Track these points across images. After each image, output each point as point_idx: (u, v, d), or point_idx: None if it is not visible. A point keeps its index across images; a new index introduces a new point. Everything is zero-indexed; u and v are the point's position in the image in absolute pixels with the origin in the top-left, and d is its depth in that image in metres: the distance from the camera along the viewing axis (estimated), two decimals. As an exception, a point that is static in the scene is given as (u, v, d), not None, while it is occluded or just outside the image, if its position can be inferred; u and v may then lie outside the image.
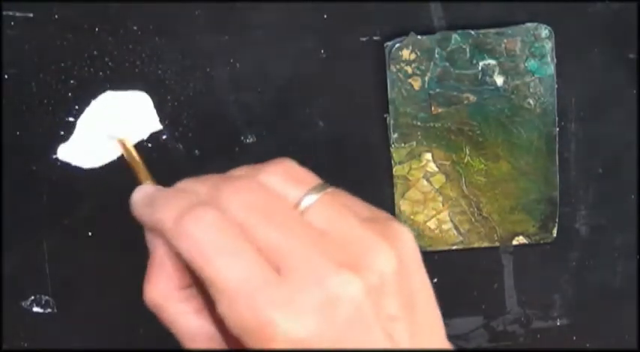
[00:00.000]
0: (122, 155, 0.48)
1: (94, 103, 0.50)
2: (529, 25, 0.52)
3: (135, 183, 0.40)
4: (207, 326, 0.35)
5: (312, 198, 0.34)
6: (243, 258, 0.32)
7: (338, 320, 0.31)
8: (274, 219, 0.33)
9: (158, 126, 0.52)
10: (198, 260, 0.32)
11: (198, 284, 0.36)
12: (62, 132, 0.52)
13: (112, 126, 0.50)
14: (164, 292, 0.36)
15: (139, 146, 0.53)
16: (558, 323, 0.58)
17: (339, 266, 0.32)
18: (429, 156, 0.54)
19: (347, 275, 0.32)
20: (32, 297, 0.55)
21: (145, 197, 0.36)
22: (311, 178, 0.35)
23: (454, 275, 0.57)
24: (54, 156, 0.53)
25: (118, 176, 0.53)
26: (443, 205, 0.55)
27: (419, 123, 0.53)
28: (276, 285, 0.31)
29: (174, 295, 0.36)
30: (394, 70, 0.52)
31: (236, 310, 0.31)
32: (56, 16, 0.51)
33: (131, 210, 0.37)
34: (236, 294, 0.31)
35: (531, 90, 0.53)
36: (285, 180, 0.34)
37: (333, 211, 0.34)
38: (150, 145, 0.53)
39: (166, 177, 0.54)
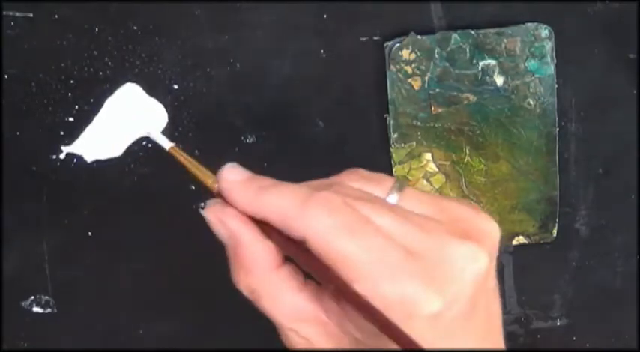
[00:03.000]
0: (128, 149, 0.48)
1: (117, 93, 0.51)
2: (529, 25, 0.52)
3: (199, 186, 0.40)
4: (310, 304, 0.35)
5: (394, 197, 0.35)
6: (376, 238, 0.33)
7: (467, 292, 0.33)
8: (385, 208, 0.34)
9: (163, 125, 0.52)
10: (330, 243, 0.33)
11: (298, 263, 0.36)
12: (62, 132, 0.52)
13: (127, 119, 0.50)
14: (261, 275, 0.35)
15: (140, 145, 0.53)
16: (558, 323, 0.58)
17: (461, 238, 0.33)
18: (429, 156, 0.54)
19: (471, 247, 0.33)
20: (32, 297, 0.55)
21: (248, 181, 0.36)
22: (387, 178, 0.36)
23: (454, 275, 0.57)
24: (54, 156, 0.53)
25: (118, 176, 0.53)
26: (443, 205, 0.55)
27: (419, 123, 0.53)
28: (412, 261, 0.32)
29: (272, 277, 0.35)
30: (394, 70, 0.52)
31: (379, 286, 0.32)
32: (56, 16, 0.51)
33: (225, 192, 0.36)
34: (378, 271, 0.32)
35: (531, 90, 0.53)
36: (367, 184, 0.35)
37: (425, 199, 0.35)
38: (150, 145, 0.53)
39: (167, 177, 0.54)
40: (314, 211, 0.33)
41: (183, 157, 0.41)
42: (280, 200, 0.34)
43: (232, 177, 0.37)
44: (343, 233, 0.32)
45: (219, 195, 0.38)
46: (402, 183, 0.36)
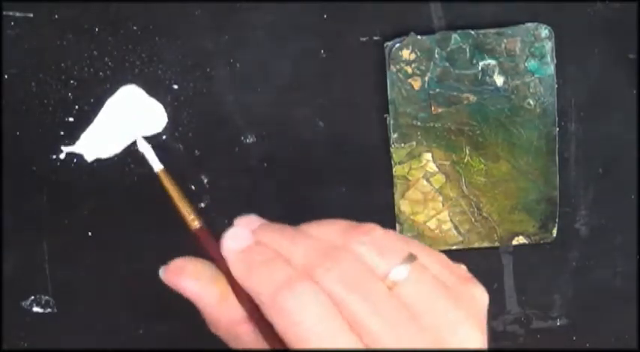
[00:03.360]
0: (123, 153, 0.48)
1: (117, 94, 0.51)
2: (529, 25, 0.52)
3: (176, 215, 0.40)
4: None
5: (401, 272, 0.36)
6: (336, 337, 0.34)
7: None
8: (367, 298, 0.34)
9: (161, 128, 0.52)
10: (291, 336, 0.34)
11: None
12: (62, 132, 0.52)
13: (127, 119, 0.50)
14: (225, 329, 0.39)
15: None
16: (558, 323, 0.58)
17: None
18: (428, 156, 0.54)
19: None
20: (32, 297, 0.55)
21: (242, 254, 0.37)
22: (399, 247, 0.37)
23: (454, 275, 0.57)
24: (54, 157, 0.53)
25: (118, 176, 0.53)
26: (443, 205, 0.55)
27: (419, 123, 0.53)
28: None
29: (236, 330, 0.38)
30: (394, 70, 0.52)
31: None
32: (56, 16, 0.51)
33: (224, 254, 0.38)
34: None
35: (531, 90, 0.53)
36: (375, 252, 0.36)
37: (420, 288, 0.36)
38: (150, 145, 0.53)
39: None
40: (282, 303, 0.34)
41: (171, 185, 0.41)
42: (259, 285, 0.36)
43: (230, 245, 0.38)
44: (305, 327, 0.34)
45: (196, 232, 0.40)
46: (409, 259, 0.36)
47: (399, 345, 0.34)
